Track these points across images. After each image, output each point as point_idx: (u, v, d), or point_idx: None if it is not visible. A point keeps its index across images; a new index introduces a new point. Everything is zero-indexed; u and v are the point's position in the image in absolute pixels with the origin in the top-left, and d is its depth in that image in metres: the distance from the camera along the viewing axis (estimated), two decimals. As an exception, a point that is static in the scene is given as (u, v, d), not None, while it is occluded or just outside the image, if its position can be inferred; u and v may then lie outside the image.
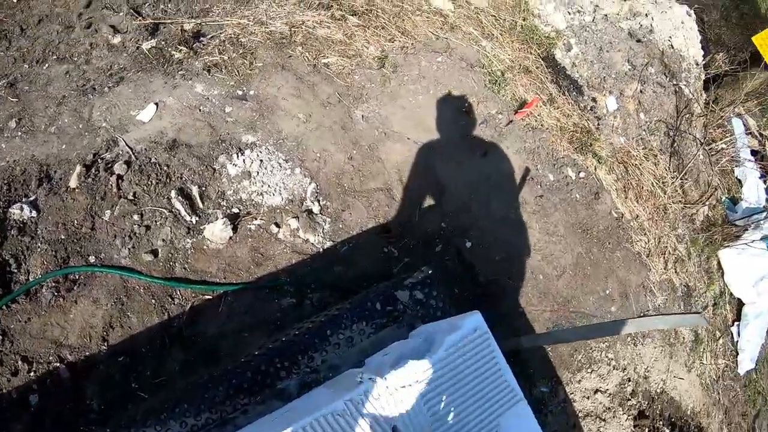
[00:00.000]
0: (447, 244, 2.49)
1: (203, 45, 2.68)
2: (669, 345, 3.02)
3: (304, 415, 1.27)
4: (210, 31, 2.77)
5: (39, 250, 2.17)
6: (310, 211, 2.33)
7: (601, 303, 2.83)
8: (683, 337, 3.09)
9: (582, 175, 2.95)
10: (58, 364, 2.09)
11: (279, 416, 1.43)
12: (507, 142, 2.80)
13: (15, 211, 2.20)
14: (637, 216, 3.03)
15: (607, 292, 2.85)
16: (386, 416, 1.34)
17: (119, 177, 2.23)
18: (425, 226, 2.50)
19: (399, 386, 1.36)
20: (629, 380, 2.85)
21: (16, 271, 2.16)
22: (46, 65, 2.65)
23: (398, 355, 1.53)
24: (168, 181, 2.25)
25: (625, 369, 2.84)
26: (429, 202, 2.55)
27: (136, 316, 2.14)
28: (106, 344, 2.11)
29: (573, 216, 2.84)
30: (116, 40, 2.70)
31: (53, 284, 2.13)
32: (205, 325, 2.17)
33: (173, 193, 2.20)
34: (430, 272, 1.91)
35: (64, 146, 2.38)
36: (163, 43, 2.68)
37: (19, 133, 2.44)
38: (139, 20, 2.74)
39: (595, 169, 3.00)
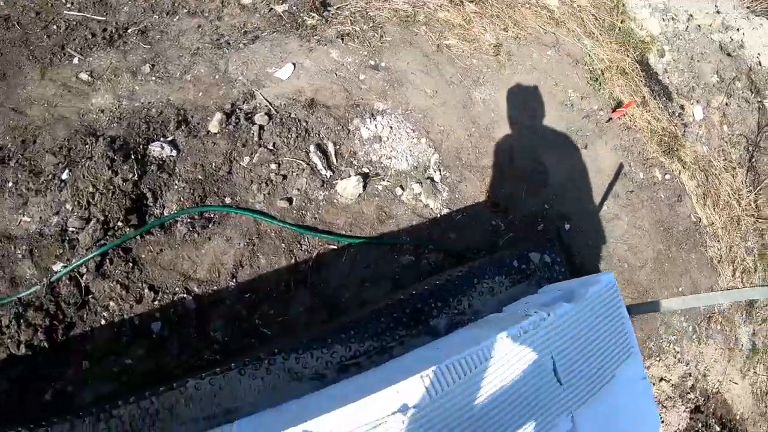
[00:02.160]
0: (548, 224, 2.57)
1: (333, 15, 2.74)
2: (729, 349, 3.09)
3: (470, 344, 1.36)
4: (336, 2, 2.84)
5: (176, 187, 2.26)
6: (431, 179, 2.40)
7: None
8: (742, 345, 3.16)
9: (668, 177, 3.01)
10: (184, 296, 2.18)
11: (448, 343, 1.53)
12: (605, 137, 2.87)
13: (155, 149, 2.29)
14: (713, 223, 3.09)
15: (680, 289, 2.92)
16: (546, 349, 1.43)
17: (261, 127, 2.31)
18: (529, 206, 2.57)
19: (557, 324, 1.45)
20: (690, 375, 2.93)
21: (152, 204, 2.25)
22: (177, 17, 2.73)
23: (543, 302, 1.62)
24: (307, 136, 2.32)
25: (688, 364, 2.92)
26: (534, 184, 2.62)
27: (265, 258, 2.23)
28: (234, 281, 2.21)
29: (657, 214, 2.91)
30: (247, 1, 2.77)
31: (188, 220, 2.22)
32: (328, 273, 2.25)
33: (312, 148, 2.28)
34: (555, 240, 2.00)
35: (200, 94, 2.46)
36: (294, 8, 2.75)
37: (154, 78, 2.53)
38: (270, -17, 2.81)
39: (679, 173, 3.05)
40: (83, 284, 2.16)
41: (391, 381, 1.21)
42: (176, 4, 2.78)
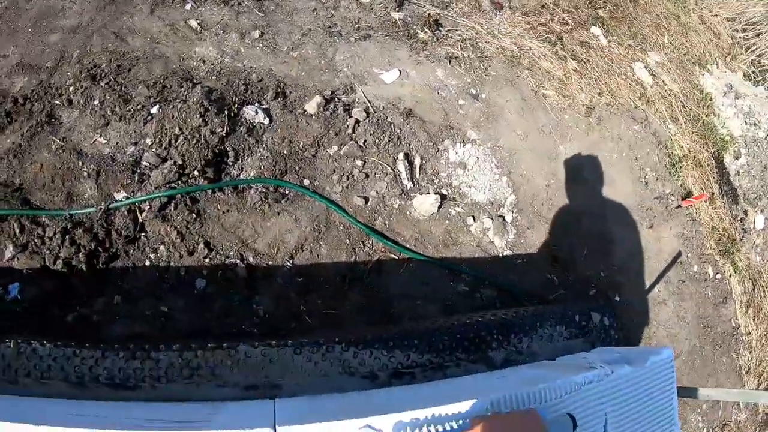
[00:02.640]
0: (600, 291, 2.56)
1: (443, 35, 2.79)
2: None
3: (532, 382, 1.35)
4: (447, 25, 2.88)
5: (259, 154, 2.27)
6: (503, 218, 2.41)
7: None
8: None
9: (718, 276, 3.01)
10: (237, 262, 2.17)
11: (501, 376, 1.52)
12: (671, 222, 2.87)
13: (249, 112, 2.30)
14: (750, 333, 3.08)
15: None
16: (602, 404, 1.43)
17: (357, 121, 2.33)
18: (587, 269, 2.56)
19: (617, 382, 1.45)
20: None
21: (231, 164, 2.26)
22: None
23: (603, 360, 1.62)
24: (398, 142, 2.34)
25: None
26: (595, 249, 2.62)
27: (327, 248, 2.22)
28: (291, 262, 2.20)
29: (701, 310, 2.89)
30: (366, -1, 2.82)
31: (263, 190, 2.22)
32: (385, 280, 2.24)
33: (401, 155, 2.30)
34: (618, 301, 2.01)
35: (303, 73, 2.49)
36: (409, 19, 2.80)
37: (261, 45, 2.56)
38: (389, -12, 2.86)
39: (730, 276, 3.05)
40: (140, 220, 2.15)
41: (454, 398, 1.20)
42: (295, -18, 2.84)
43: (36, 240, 2.12)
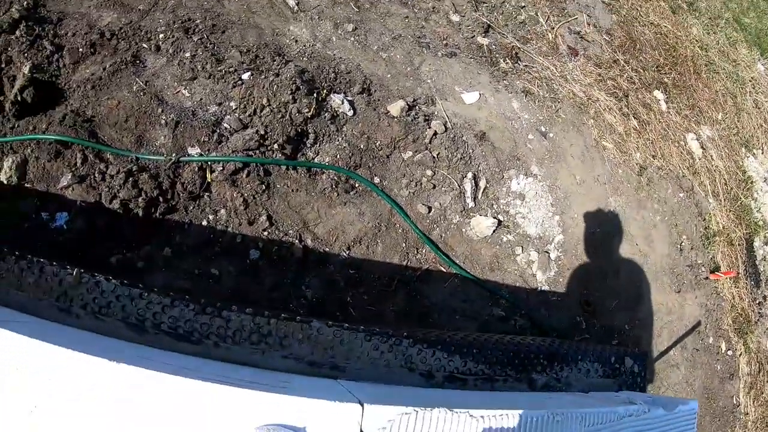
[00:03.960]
0: (621, 343, 2.71)
1: (522, 69, 2.95)
2: None
3: (576, 406, 1.49)
4: (525, 60, 3.05)
5: (338, 143, 2.39)
6: (548, 254, 2.55)
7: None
8: None
9: (730, 353, 3.17)
10: (295, 241, 2.28)
11: (549, 396, 1.66)
12: (697, 292, 3.04)
13: (336, 100, 2.43)
14: (747, 413, 3.23)
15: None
16: None
17: (435, 133, 2.48)
18: (613, 319, 2.71)
19: (650, 422, 1.60)
20: None
21: (309, 146, 2.36)
22: None
23: (642, 400, 1.77)
24: (469, 162, 2.48)
25: None
26: (625, 302, 2.77)
27: (383, 247, 2.35)
28: (347, 252, 2.32)
29: (708, 381, 3.05)
30: (455, 18, 2.98)
31: (335, 177, 2.33)
32: (429, 289, 2.37)
33: (469, 175, 2.44)
34: (643, 357, 2.16)
35: (389, 75, 2.63)
36: (493, 46, 2.96)
37: (352, 39, 2.70)
38: (478, 14, 3.03)
39: (740, 355, 3.22)
40: (209, 179, 2.24)
41: (513, 407, 1.33)
42: (390, -13, 2.99)
43: (96, 175, 2.17)
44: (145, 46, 2.44)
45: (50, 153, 2.18)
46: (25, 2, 2.40)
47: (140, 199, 2.13)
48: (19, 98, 2.19)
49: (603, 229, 2.78)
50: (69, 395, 0.94)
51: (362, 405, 1.14)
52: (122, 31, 2.42)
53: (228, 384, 1.06)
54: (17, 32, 2.33)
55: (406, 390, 1.48)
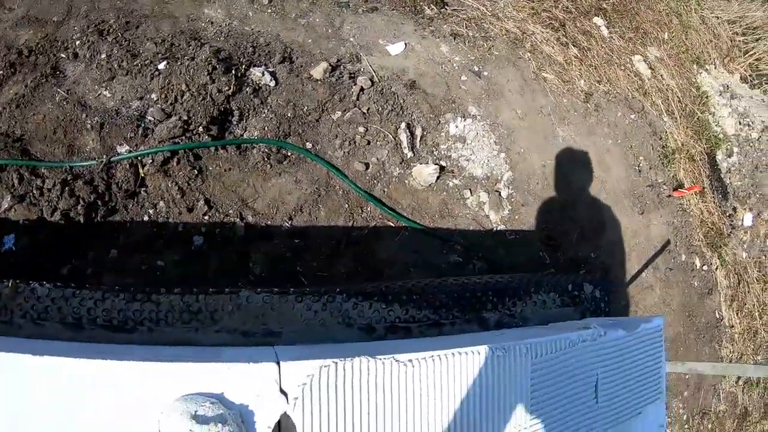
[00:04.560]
0: (589, 273, 2.69)
1: (449, 13, 2.90)
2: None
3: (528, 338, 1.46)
4: (453, 4, 2.99)
5: (264, 115, 2.35)
6: (499, 193, 2.52)
7: (678, 384, 3.03)
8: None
9: (705, 268, 3.16)
10: (236, 220, 2.25)
11: (499, 333, 1.63)
12: (662, 211, 3.02)
13: (256, 73, 2.38)
14: (733, 326, 3.23)
15: (687, 377, 3.05)
16: (594, 364, 1.54)
17: (361, 89, 2.43)
18: (578, 250, 2.69)
19: (609, 344, 1.57)
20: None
21: (235, 123, 2.33)
22: None
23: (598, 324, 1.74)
24: (401, 112, 2.44)
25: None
26: (587, 231, 2.75)
27: (325, 211, 2.31)
28: (289, 223, 2.29)
29: (687, 299, 3.04)
30: (375, -27, 2.92)
31: (266, 150, 2.29)
32: (379, 247, 2.34)
33: (403, 125, 2.40)
34: (609, 280, 2.13)
35: (310, 40, 2.58)
36: (417, -5, 2.91)
37: (269, 11, 2.65)
38: (397, -34, 2.97)
39: (716, 269, 3.21)
40: (141, 174, 2.21)
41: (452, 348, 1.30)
42: (304, -48, 2.93)
43: (34, 191, 2.16)
44: (63, 55, 2.41)
45: None
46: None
47: (79, 207, 2.12)
48: None
49: (554, 161, 2.75)
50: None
51: (278, 363, 1.11)
52: (39, 45, 2.39)
53: (151, 361, 1.05)
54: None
55: (339, 347, 1.46)
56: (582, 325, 1.63)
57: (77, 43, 2.42)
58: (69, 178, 2.15)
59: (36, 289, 1.53)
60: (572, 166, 2.80)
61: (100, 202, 2.17)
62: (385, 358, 1.20)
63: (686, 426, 3.03)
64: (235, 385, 1.04)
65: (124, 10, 2.58)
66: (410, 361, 1.22)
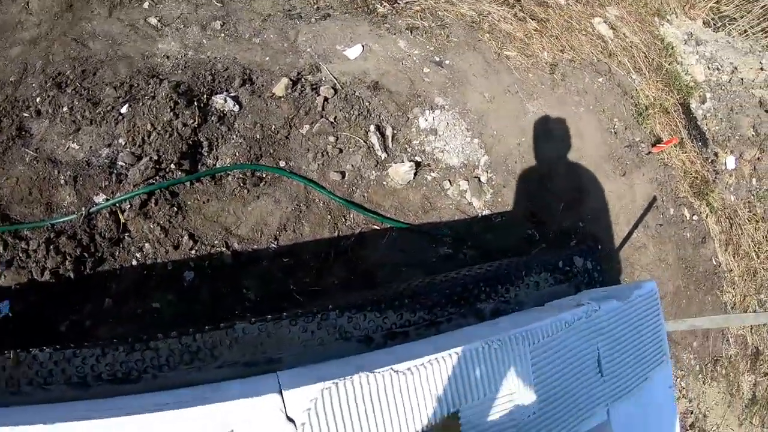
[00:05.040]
0: (580, 242, 2.74)
1: (402, 7, 2.93)
2: (730, 395, 3.26)
3: (523, 325, 1.50)
4: (405, -3, 3.03)
5: (233, 141, 2.37)
6: (478, 179, 2.56)
7: (686, 336, 3.08)
8: (743, 393, 3.34)
9: (695, 218, 3.21)
10: (222, 250, 2.28)
11: (493, 324, 1.67)
12: (644, 169, 3.06)
13: (218, 101, 2.41)
14: (731, 270, 3.29)
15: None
16: (593, 339, 1.58)
17: (325, 99, 2.46)
18: (565, 222, 2.74)
19: (605, 317, 1.60)
20: (692, 413, 3.09)
21: (206, 154, 2.35)
22: None
23: (591, 298, 1.78)
24: (368, 115, 2.47)
25: (691, 401, 3.08)
26: (571, 201, 2.79)
27: (309, 226, 2.35)
28: (275, 243, 2.31)
29: (682, 251, 3.10)
30: (321, -20, 2.94)
31: (240, 176, 2.32)
32: (368, 251, 2.38)
33: (372, 128, 2.43)
34: (599, 248, 2.17)
35: (267, 58, 2.61)
36: (367, -5, 2.94)
37: (223, 35, 2.67)
38: (344, -32, 2.99)
39: (707, 216, 3.26)
40: (122, 221, 2.23)
41: (450, 347, 1.33)
42: (251, -30, 2.94)
43: (20, 254, 2.18)
44: (26, 114, 2.42)
45: None
46: None
47: (67, 263, 2.14)
48: None
49: (528, 137, 2.78)
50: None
51: (281, 392, 1.14)
52: (1, 108, 2.40)
53: (151, 411, 1.07)
54: None
55: (341, 363, 1.49)
56: (576, 302, 1.67)
57: (38, 99, 2.44)
58: (52, 236, 2.18)
59: (37, 356, 1.55)
60: (547, 140, 2.84)
61: (86, 255, 2.19)
62: (383, 371, 1.24)
63: (700, 375, 3.09)
64: (242, 422, 1.08)
65: (78, 58, 2.59)
66: (409, 369, 1.26)
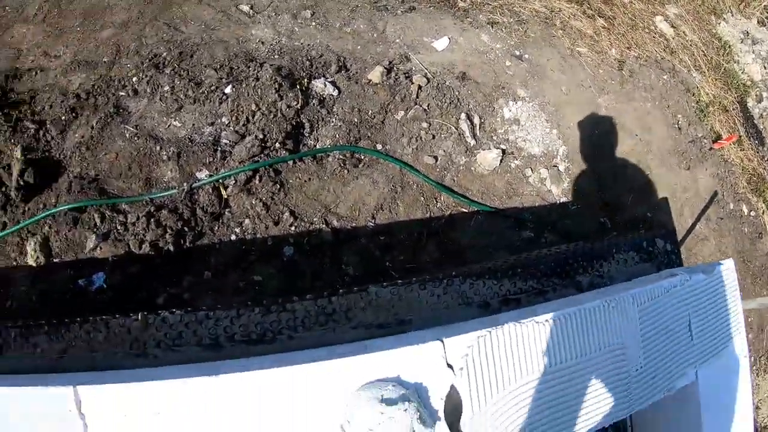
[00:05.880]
0: (648, 230, 2.99)
1: (481, 2, 3.18)
2: (780, 385, 3.52)
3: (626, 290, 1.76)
4: (480, -8, 3.27)
5: (333, 124, 2.60)
6: (557, 167, 2.81)
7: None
8: (791, 384, 3.59)
9: (753, 214, 3.46)
10: (322, 227, 2.49)
11: (598, 292, 1.93)
12: (706, 164, 3.31)
13: (318, 84, 2.64)
14: (784, 264, 3.55)
15: (750, 319, 3.36)
16: (685, 306, 1.84)
17: (419, 87, 2.71)
18: (634, 211, 2.99)
19: (695, 287, 1.86)
20: (744, 401, 3.35)
21: (307, 135, 2.56)
22: None
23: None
24: (458, 104, 2.72)
25: (744, 390, 3.34)
26: (640, 192, 3.04)
27: (404, 206, 2.59)
28: (373, 222, 2.55)
29: (740, 245, 3.35)
30: (403, -27, 3.19)
31: (340, 157, 2.54)
32: (457, 233, 2.63)
33: (462, 116, 2.68)
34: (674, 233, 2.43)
35: (358, 47, 2.84)
36: (447, -11, 3.18)
37: (314, 24, 2.91)
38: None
39: (763, 213, 3.50)
40: (224, 196, 2.43)
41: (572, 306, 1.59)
42: (335, -40, 3.18)
43: (118, 227, 2.35)
44: (122, 93, 2.62)
45: (68, 223, 2.38)
46: (-8, 93, 2.49)
47: (167, 236, 2.32)
48: (21, 182, 2.38)
49: (601, 129, 3.03)
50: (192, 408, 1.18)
51: (442, 340, 1.32)
52: (96, 87, 2.60)
53: (314, 361, 1.24)
54: (-5, 123, 2.44)
55: (473, 322, 1.74)
56: (668, 275, 1.94)
57: (134, 79, 2.66)
58: (152, 210, 2.36)
59: (167, 318, 1.63)
60: (618, 133, 3.08)
61: (186, 229, 2.37)
62: (527, 322, 1.50)
63: (754, 367, 3.35)
64: (407, 367, 1.27)
65: (172, 41, 2.82)
66: (547, 321, 1.52)
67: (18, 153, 2.41)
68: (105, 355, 1.64)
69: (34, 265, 2.35)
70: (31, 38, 2.80)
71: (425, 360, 1.30)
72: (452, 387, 1.30)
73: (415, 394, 1.26)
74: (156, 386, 1.21)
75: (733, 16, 4.21)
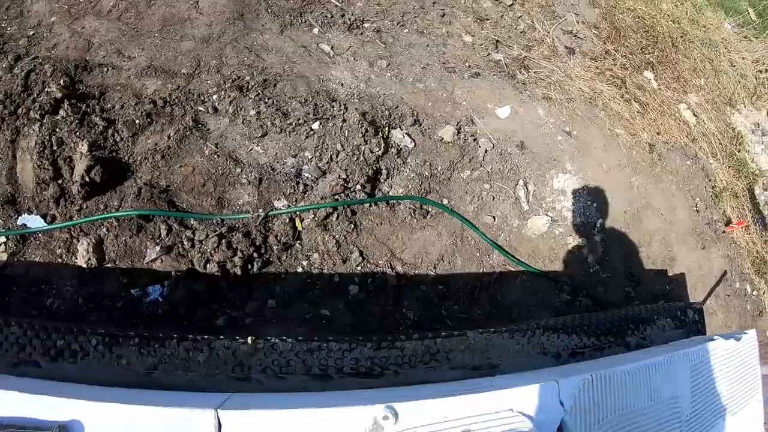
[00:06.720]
0: (668, 302, 3.44)
1: (536, 78, 3.63)
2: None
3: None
4: (533, 67, 3.73)
5: (406, 174, 2.89)
6: (594, 238, 3.24)
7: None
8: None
9: (755, 293, 3.96)
10: (387, 270, 2.74)
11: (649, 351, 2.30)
12: (718, 245, 3.80)
13: (397, 135, 2.95)
14: (777, 343, 4.06)
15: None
16: (719, 366, 2.21)
17: (485, 150, 3.11)
18: (655, 284, 3.44)
19: (728, 351, 2.23)
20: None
21: (383, 181, 2.84)
22: (406, 30, 3.50)
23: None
24: (517, 170, 3.11)
25: None
26: (662, 266, 3.50)
27: (461, 260, 2.93)
28: (434, 270, 2.86)
29: (743, 321, 3.82)
30: (468, 39, 3.61)
31: (411, 206, 2.82)
32: (505, 289, 2.99)
33: (520, 182, 3.08)
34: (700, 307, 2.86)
35: (429, 104, 3.20)
36: (507, 60, 3.63)
37: (389, 74, 3.24)
38: (485, 31, 3.70)
39: (764, 293, 4.01)
40: (299, 228, 2.63)
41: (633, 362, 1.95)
42: (404, 18, 3.59)
43: (185, 242, 2.48)
44: (201, 109, 2.77)
45: (131, 229, 2.47)
46: (62, 80, 2.63)
47: (236, 258, 2.47)
48: (87, 179, 2.41)
49: (633, 206, 3.49)
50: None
51: (557, 381, 1.59)
52: (173, 97, 2.75)
53: (463, 394, 1.50)
54: (61, 112, 2.55)
55: (553, 371, 2.09)
56: (706, 339, 2.33)
57: (215, 97, 2.84)
58: (224, 231, 2.51)
59: (277, 345, 1.78)
60: (646, 210, 3.56)
61: (256, 254, 2.55)
62: (617, 370, 1.84)
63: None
64: (527, 403, 1.55)
65: (255, 67, 3.03)
66: (626, 371, 1.84)
67: (84, 148, 2.43)
68: (202, 376, 1.78)
69: (84, 266, 2.40)
70: (105, 33, 2.93)
71: (543, 397, 1.56)
72: (563, 421, 1.57)
73: (533, 426, 1.50)
74: (312, 414, 1.37)
75: (745, 107, 4.81)
